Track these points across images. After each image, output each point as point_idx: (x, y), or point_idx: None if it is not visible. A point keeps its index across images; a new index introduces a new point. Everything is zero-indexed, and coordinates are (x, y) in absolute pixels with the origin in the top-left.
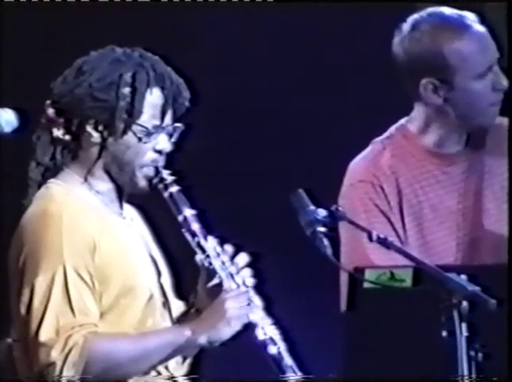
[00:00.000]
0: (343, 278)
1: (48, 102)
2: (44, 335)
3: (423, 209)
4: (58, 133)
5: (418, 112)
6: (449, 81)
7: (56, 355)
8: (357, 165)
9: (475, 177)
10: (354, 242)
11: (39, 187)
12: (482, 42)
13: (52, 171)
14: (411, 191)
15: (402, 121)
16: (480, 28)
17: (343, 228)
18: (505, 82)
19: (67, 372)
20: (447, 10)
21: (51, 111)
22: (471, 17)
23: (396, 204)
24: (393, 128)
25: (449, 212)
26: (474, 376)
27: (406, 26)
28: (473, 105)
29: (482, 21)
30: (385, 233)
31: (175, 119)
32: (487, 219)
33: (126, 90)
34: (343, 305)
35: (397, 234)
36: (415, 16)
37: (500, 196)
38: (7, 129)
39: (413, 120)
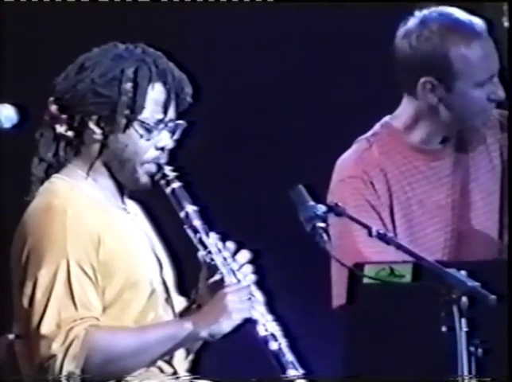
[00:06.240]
0: (336, 278)
1: (51, 99)
2: (46, 328)
3: (411, 206)
4: (61, 129)
5: (407, 108)
6: (449, 84)
7: (57, 347)
8: (345, 161)
9: (461, 171)
10: (347, 237)
11: (42, 183)
12: (488, 51)
13: (55, 168)
14: (399, 188)
15: (386, 118)
16: (488, 37)
17: (335, 223)
18: (501, 94)
19: (68, 365)
20: (458, 13)
21: (54, 108)
22: (480, 25)
23: (386, 201)
24: (377, 125)
25: (437, 207)
26: (473, 375)
27: (414, 21)
28: (466, 109)
29: (490, 29)
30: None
31: (177, 115)
32: (474, 212)
33: (128, 85)
34: (336, 301)
35: (386, 230)
36: (425, 13)
37: (486, 188)
38: (7, 124)
39: (399, 117)
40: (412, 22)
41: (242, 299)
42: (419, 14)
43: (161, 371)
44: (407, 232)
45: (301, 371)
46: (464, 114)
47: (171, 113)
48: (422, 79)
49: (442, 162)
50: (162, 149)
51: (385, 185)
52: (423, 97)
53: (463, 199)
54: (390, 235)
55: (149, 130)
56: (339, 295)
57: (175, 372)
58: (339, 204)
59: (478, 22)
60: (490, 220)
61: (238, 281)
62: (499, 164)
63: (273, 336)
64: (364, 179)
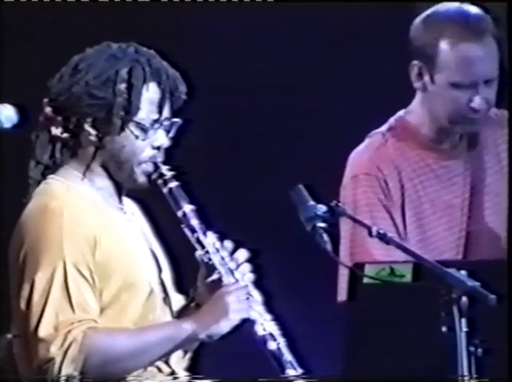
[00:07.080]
0: (342, 272)
1: (46, 100)
2: (44, 331)
3: (422, 204)
4: (56, 131)
5: (417, 101)
6: (432, 74)
7: (55, 350)
8: (360, 156)
9: (471, 171)
10: (356, 236)
11: (39, 185)
12: (477, 57)
13: (51, 169)
14: (411, 186)
15: (401, 113)
16: (491, 44)
17: (344, 222)
18: (482, 104)
19: (67, 368)
20: (473, 11)
21: (49, 110)
22: (487, 30)
23: (398, 200)
24: (392, 120)
25: (447, 207)
26: (473, 375)
27: (430, 11)
28: (441, 107)
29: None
30: (386, 228)
31: (172, 113)
32: (484, 212)
33: (123, 86)
34: (342, 296)
35: (397, 229)
36: (445, 4)
37: (494, 188)
38: (7, 124)
39: (412, 111)
40: (429, 10)
41: (240, 299)
42: (439, 6)
43: (159, 370)
44: (417, 231)
45: (300, 370)
46: (439, 112)
47: (166, 112)
48: (413, 62)
49: (454, 161)
50: (158, 148)
51: (398, 183)
52: (413, 81)
53: (473, 199)
54: (390, 235)
55: (144, 131)
56: (343, 291)
57: (173, 372)
58: (340, 203)
59: (487, 27)
60: (500, 221)
61: (236, 280)
62: (507, 164)
63: (272, 335)
64: (378, 177)
